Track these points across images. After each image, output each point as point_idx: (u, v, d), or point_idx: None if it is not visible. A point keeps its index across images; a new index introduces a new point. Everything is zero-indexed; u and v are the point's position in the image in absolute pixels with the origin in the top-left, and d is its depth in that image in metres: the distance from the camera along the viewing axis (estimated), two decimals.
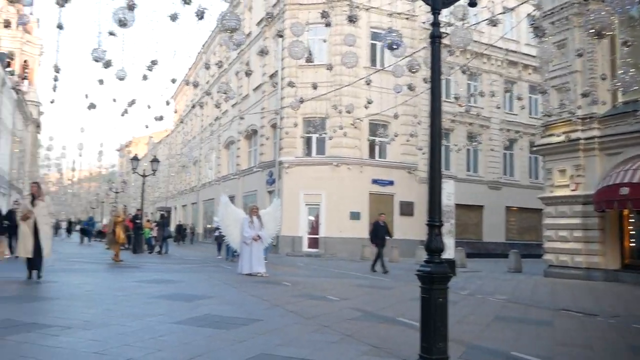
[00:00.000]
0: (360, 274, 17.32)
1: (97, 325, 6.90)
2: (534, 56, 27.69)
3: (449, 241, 16.05)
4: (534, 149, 21.20)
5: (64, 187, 60.80)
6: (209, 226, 36.42)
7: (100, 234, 41.49)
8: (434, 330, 5.10)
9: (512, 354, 6.32)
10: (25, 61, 73.62)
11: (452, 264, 16.03)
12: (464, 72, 19.72)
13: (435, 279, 5.21)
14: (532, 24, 14.46)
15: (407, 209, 30.05)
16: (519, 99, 28.42)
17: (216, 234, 24.53)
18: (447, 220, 16.19)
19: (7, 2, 10.83)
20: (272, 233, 16.80)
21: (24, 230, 11.31)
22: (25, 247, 11.26)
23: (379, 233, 18.40)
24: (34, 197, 11.54)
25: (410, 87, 18.53)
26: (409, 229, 29.47)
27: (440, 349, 5.10)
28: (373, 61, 29.58)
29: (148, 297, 9.70)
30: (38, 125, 77.18)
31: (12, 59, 63.98)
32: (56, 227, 37.14)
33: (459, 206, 23.62)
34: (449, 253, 15.86)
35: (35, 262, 11.46)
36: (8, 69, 49.21)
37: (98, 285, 11.55)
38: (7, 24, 16.37)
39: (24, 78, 70.66)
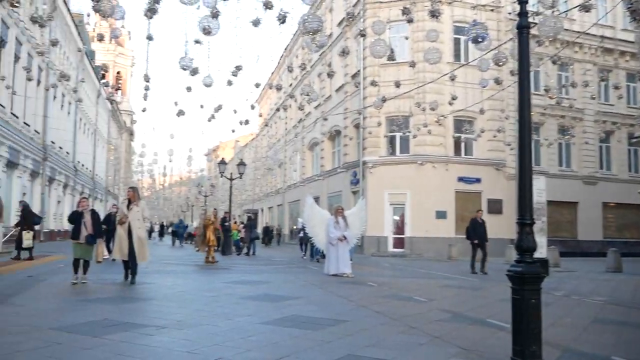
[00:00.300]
0: (448, 274, 16.99)
1: (189, 325, 7.10)
2: (631, 42, 26.26)
3: (540, 240, 15.41)
4: (634, 140, 20.11)
5: (156, 192, 63.35)
6: (294, 227, 36.87)
7: (191, 237, 42.89)
8: (526, 332, 4.91)
9: (613, 358, 5.97)
10: (118, 72, 77.39)
11: (544, 263, 15.43)
12: (554, 62, 18.93)
13: (527, 279, 5.01)
14: (629, 7, 13.63)
15: (495, 206, 29.25)
16: (616, 87, 26.97)
17: (300, 235, 24.95)
18: (538, 218, 15.57)
19: (100, 17, 11.34)
20: (357, 233, 16.69)
21: (120, 233, 11.54)
22: (121, 250, 11.51)
23: (477, 230, 17.69)
24: (130, 202, 11.75)
25: (497, 81, 18.01)
26: (497, 228, 28.55)
27: (534, 353, 4.89)
28: (457, 56, 29.00)
29: (237, 298, 9.91)
30: (131, 133, 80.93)
31: (106, 71, 67.34)
32: (150, 231, 38.60)
33: (551, 203, 22.71)
34: (541, 252, 15.27)
35: (130, 266, 11.70)
36: (103, 81, 51.76)
37: (189, 287, 11.91)
38: (100, 38, 17.17)
39: (117, 89, 74.23)
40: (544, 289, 5.35)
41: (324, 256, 17.38)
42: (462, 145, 29.36)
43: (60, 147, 36.45)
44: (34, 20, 11.91)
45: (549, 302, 9.33)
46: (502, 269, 18.62)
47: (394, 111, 26.67)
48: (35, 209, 30.86)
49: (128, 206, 11.70)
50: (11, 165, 26.02)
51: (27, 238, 16.29)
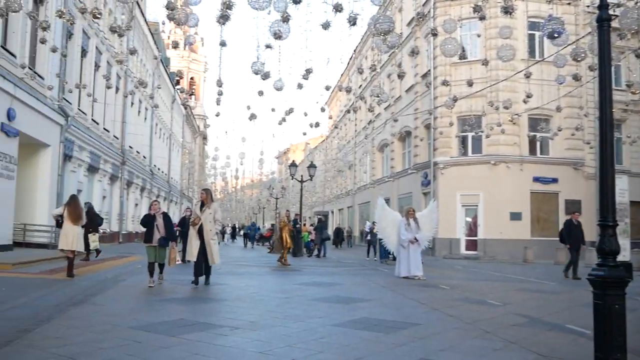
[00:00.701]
0: (524, 277, 16.51)
1: (262, 326, 7.19)
2: None
3: (624, 242, 14.76)
4: None
5: (228, 195, 64.59)
6: (363, 229, 36.78)
7: (262, 239, 43.56)
8: (609, 339, 4.70)
9: None
10: (191, 78, 79.53)
11: (628, 267, 14.69)
12: (637, 56, 18.06)
13: (610, 283, 4.80)
14: None
15: (573, 207, 28.17)
16: None
17: (367, 237, 25.04)
18: (621, 219, 14.88)
19: (175, 25, 11.70)
20: (428, 235, 16.41)
21: (191, 235, 11.54)
22: (190, 251, 11.53)
23: (572, 233, 16.45)
24: (203, 204, 11.69)
25: (575, 77, 17.36)
26: None
27: None
28: (531, 52, 28.19)
29: (308, 300, 9.97)
30: (204, 137, 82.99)
31: (181, 77, 69.26)
32: (222, 233, 39.34)
33: (634, 203, 21.80)
34: (625, 255, 14.62)
35: (201, 268, 11.60)
36: (177, 87, 53.30)
37: (261, 288, 12.05)
38: (175, 46, 17.70)
39: (191, 94, 76.26)
40: (628, 294, 5.11)
41: (394, 258, 17.26)
42: (538, 144, 28.50)
43: (138, 152, 37.78)
44: (113, 30, 12.29)
45: (634, 308, 8.90)
46: (583, 272, 17.93)
47: (465, 111, 26.19)
48: (114, 211, 32.12)
49: (201, 208, 11.63)
50: (92, 169, 27.17)
51: (93, 240, 16.70)
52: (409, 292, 11.62)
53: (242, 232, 50.48)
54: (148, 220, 11.42)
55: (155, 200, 12.43)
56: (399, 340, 6.49)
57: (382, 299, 10.36)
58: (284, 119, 19.48)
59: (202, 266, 11.57)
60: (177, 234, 16.45)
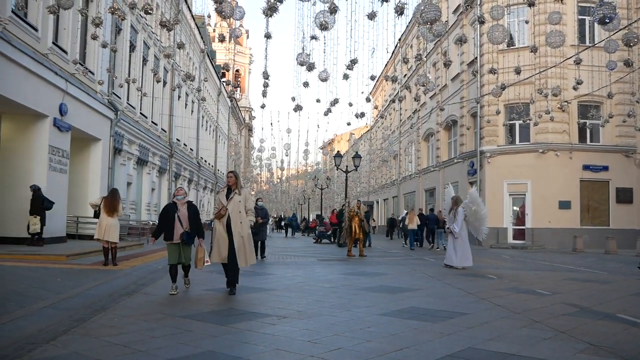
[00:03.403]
0: (573, 266, 16.20)
1: (310, 315, 7.28)
2: None
3: None
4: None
5: (274, 186, 65.01)
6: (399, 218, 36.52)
7: (308, 229, 43.84)
8: None
9: None
10: (237, 71, 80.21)
11: None
12: None
13: None
14: None
15: (624, 196, 27.50)
16: None
17: (401, 226, 25.37)
18: None
19: (221, 18, 11.78)
20: (479, 225, 15.72)
21: (218, 230, 9.16)
22: (219, 251, 9.10)
23: None
24: (230, 190, 9.34)
25: (627, 63, 16.84)
26: (627, 218, 27.05)
27: None
28: (582, 38, 27.45)
29: (355, 289, 10.03)
30: (250, 129, 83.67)
31: (227, 70, 69.97)
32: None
33: None
34: None
35: (230, 272, 9.25)
36: (223, 80, 53.78)
37: (308, 278, 12.16)
38: (222, 39, 17.89)
39: (237, 87, 76.90)
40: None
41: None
42: (588, 131, 27.82)
43: (185, 144, 38.39)
44: (162, 24, 12.44)
45: None
46: (633, 261, 17.51)
47: (513, 98, 25.69)
48: (163, 203, 32.75)
49: (227, 195, 9.29)
50: (141, 162, 27.74)
51: (33, 223, 15.73)
52: (456, 281, 11.56)
53: (283, 223, 51.15)
54: (168, 211, 9.33)
55: (180, 187, 10.52)
56: (446, 329, 6.49)
57: (428, 289, 10.33)
58: (329, 110, 19.43)
59: (229, 268, 9.23)
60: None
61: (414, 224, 25.13)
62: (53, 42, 17.56)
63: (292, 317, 7.16)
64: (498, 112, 26.25)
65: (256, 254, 16.00)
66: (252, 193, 61.69)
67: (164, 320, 6.84)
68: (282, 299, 8.80)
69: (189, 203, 9.45)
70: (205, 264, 9.15)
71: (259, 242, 16.42)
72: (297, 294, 9.42)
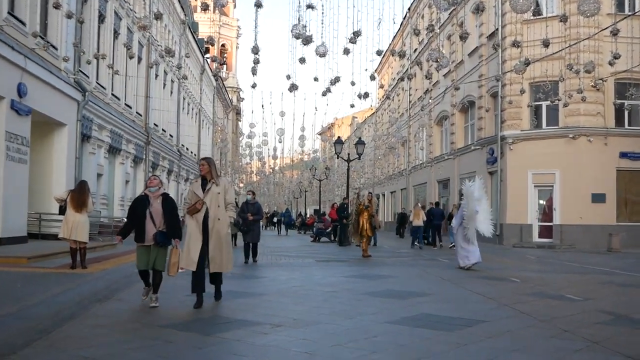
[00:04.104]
0: (608, 269, 16.25)
1: (307, 324, 7.32)
2: None
3: None
4: None
5: (266, 177, 64.99)
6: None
7: (305, 226, 43.98)
8: None
9: None
10: (222, 45, 79.80)
11: None
12: None
13: None
14: None
15: None
16: None
17: (414, 224, 25.61)
18: None
19: None
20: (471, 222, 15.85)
21: (191, 229, 8.63)
22: (189, 255, 8.54)
23: None
24: (206, 180, 8.85)
25: None
26: None
27: None
28: (619, 5, 27.41)
29: (358, 294, 10.08)
30: (238, 113, 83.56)
31: (211, 45, 69.55)
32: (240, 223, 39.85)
33: None
34: None
35: (203, 280, 8.65)
36: (207, 56, 53.61)
37: (305, 281, 12.20)
38: (205, 8, 17.83)
39: (223, 64, 76.57)
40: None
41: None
42: (626, 113, 27.75)
43: (164, 130, 38.39)
44: None
45: None
46: None
47: (539, 76, 25.63)
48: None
49: (203, 186, 8.81)
50: (113, 150, 27.73)
51: None
52: (473, 285, 11.60)
53: (275, 219, 51.36)
54: (137, 206, 8.74)
55: (154, 175, 9.66)
56: (463, 339, 6.52)
57: (443, 293, 10.39)
58: (328, 90, 19.42)
59: (204, 277, 8.68)
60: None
61: (419, 219, 25.31)
62: (9, 12, 17.45)
63: (287, 325, 7.19)
64: (522, 92, 26.20)
65: (247, 258, 16.10)
66: (241, 185, 61.71)
67: (141, 330, 6.86)
68: (275, 305, 8.83)
69: (165, 196, 8.77)
70: (180, 271, 8.63)
71: (250, 245, 16.38)
72: (292, 299, 9.45)
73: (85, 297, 9.30)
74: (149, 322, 7.29)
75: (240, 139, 67.96)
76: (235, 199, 28.82)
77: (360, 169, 53.31)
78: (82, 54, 20.74)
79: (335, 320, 7.59)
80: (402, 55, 18.81)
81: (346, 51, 16.57)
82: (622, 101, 26.67)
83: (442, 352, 5.93)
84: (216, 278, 9.00)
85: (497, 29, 29.56)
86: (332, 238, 29.92)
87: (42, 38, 19.16)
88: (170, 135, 40.81)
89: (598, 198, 26.94)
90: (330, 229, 30.63)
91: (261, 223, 34.94)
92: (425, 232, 26.48)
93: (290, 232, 45.44)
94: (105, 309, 8.32)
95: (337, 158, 34.03)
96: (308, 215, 56.15)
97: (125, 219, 9.82)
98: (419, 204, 27.08)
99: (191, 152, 49.57)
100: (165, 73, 38.37)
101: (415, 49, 41.52)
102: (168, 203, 8.68)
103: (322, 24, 18.26)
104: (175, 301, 9.05)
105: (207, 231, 8.57)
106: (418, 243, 25.29)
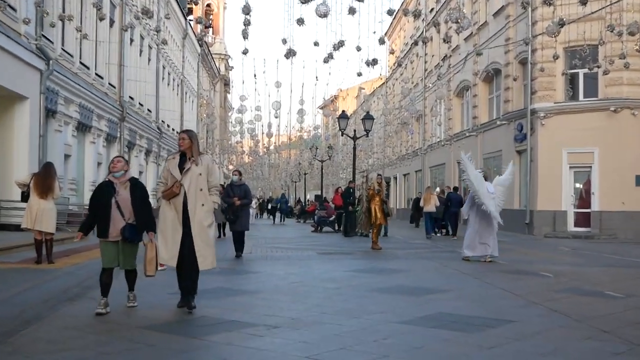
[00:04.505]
0: None
1: (307, 324, 7.38)
2: None
3: None
4: None
5: (259, 158, 64.71)
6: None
7: (305, 214, 44.09)
8: None
9: None
10: (208, 5, 79.27)
11: None
12: None
13: None
14: None
15: None
16: None
17: (425, 209, 25.92)
18: None
19: None
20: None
21: (168, 217, 8.25)
22: (167, 248, 8.22)
23: None
24: (185, 158, 8.34)
25: None
26: None
27: None
28: None
29: (365, 290, 10.15)
30: (226, 83, 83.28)
31: (195, 4, 69.07)
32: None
33: None
34: None
35: (185, 278, 8.34)
36: (190, 18, 53.10)
37: (305, 276, 12.29)
38: None
39: (208, 27, 76.03)
40: None
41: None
42: None
43: (141, 104, 38.25)
44: None
45: None
46: None
47: (575, 39, 25.56)
48: None
49: (181, 166, 8.30)
50: (83, 128, 27.65)
51: None
52: (497, 280, 11.68)
53: (270, 206, 51.37)
54: (101, 195, 8.33)
55: (119, 157, 8.83)
56: (487, 341, 6.57)
57: (462, 289, 10.45)
58: (330, 56, 19.37)
59: (184, 273, 8.33)
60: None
61: (430, 205, 25.44)
62: None
63: (285, 326, 7.25)
64: (555, 58, 26.16)
65: (238, 250, 16.07)
66: (231, 168, 61.61)
67: (117, 332, 6.90)
68: (271, 303, 8.89)
69: (133, 181, 8.40)
70: (160, 269, 8.35)
71: (237, 234, 16.25)
72: (290, 297, 9.52)
73: (53, 296, 9.34)
74: (127, 324, 7.33)
75: (230, 114, 67.76)
76: (224, 183, 28.88)
77: (368, 148, 53.28)
78: (45, 15, 20.60)
79: (339, 320, 7.64)
80: (416, 15, 18.80)
81: (352, 11, 16.53)
82: None
83: (463, 355, 5.99)
84: (193, 277, 8.32)
85: None
86: (336, 228, 29.98)
87: None
88: (149, 110, 40.69)
89: None
90: (333, 217, 30.68)
91: (252, 211, 35.01)
92: (444, 220, 26.56)
93: (287, 221, 45.55)
94: (76, 308, 8.37)
95: (342, 135, 34.03)
96: (308, 202, 56.22)
97: (87, 211, 9.01)
98: (435, 188, 27.08)
99: (172, 130, 49.40)
100: (142, 38, 38.17)
101: (432, 9, 41.39)
102: (138, 190, 8.33)
103: None
104: (155, 300, 9.08)
105: (187, 220, 8.12)
106: (427, 233, 25.55)
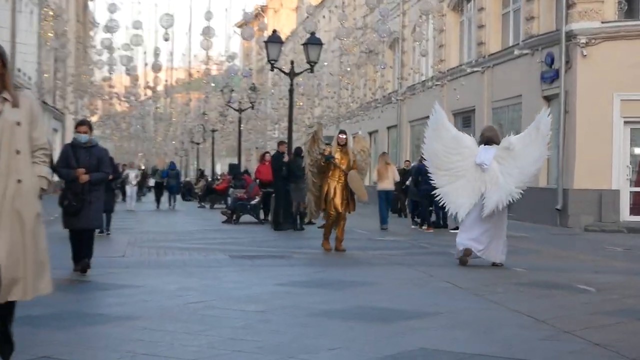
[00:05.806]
0: None
1: None
2: None
3: None
4: None
5: (140, 104, 63.62)
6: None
7: (210, 192, 44.00)
8: None
9: None
10: None
11: None
12: None
13: None
14: None
15: None
16: None
17: (378, 187, 26.39)
18: None
19: None
20: (524, 179, 16.11)
21: None
22: None
23: None
24: None
25: None
26: None
27: None
28: None
29: (306, 315, 10.09)
30: None
31: None
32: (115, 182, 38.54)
33: None
34: None
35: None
36: None
37: (210, 293, 12.19)
38: None
39: None
40: None
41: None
42: None
43: None
44: None
45: None
46: None
47: None
48: None
49: None
50: None
51: None
52: (510, 297, 11.78)
53: (153, 182, 50.46)
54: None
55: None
56: None
57: (457, 313, 10.46)
58: None
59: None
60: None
61: (387, 180, 25.69)
62: None
63: None
64: None
65: (77, 258, 14.73)
66: (93, 120, 60.79)
67: None
68: (155, 337, 8.74)
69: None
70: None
71: (80, 234, 14.23)
72: (185, 325, 9.35)
73: None
74: None
75: (92, 33, 67.09)
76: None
77: (313, 90, 53.05)
78: None
79: None
80: None
81: None
82: None
83: None
84: (9, 311, 6.95)
85: None
86: (262, 216, 29.91)
87: None
88: None
89: None
90: (258, 199, 30.49)
91: (130, 189, 34.89)
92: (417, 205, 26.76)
93: (182, 204, 45.35)
94: None
95: (272, 70, 33.84)
96: (218, 177, 55.94)
97: None
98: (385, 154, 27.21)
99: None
100: None
101: None
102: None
103: None
104: None
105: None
106: (382, 223, 26.36)
